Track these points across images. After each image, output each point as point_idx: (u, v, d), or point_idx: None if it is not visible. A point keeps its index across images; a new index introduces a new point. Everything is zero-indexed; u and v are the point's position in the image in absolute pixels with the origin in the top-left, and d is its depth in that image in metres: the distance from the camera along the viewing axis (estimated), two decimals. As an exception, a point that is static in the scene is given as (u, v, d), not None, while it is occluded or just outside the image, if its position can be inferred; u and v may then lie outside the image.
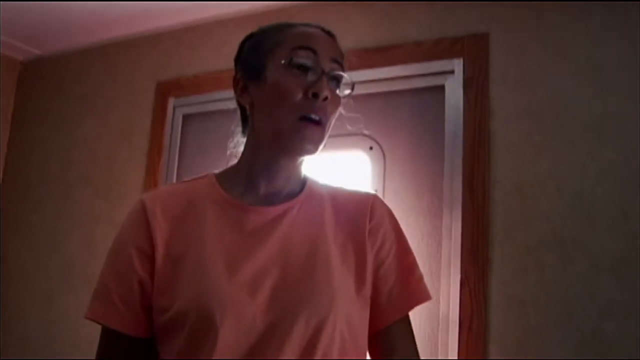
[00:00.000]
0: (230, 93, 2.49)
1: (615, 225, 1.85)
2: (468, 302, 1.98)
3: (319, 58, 1.16)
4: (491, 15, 2.17)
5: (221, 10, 2.74)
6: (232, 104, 2.51)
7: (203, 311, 1.05)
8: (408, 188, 2.22)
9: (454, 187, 2.10)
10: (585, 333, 1.82)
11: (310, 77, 1.14)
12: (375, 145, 2.32)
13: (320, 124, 1.15)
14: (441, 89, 2.22)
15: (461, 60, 2.18)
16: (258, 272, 1.10)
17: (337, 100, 1.19)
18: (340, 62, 1.20)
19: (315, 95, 1.13)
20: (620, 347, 1.77)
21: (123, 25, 2.96)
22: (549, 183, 1.96)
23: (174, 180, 2.73)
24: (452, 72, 2.19)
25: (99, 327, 1.20)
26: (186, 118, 2.83)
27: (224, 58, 2.70)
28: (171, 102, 2.84)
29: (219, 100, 2.67)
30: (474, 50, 2.16)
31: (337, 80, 1.19)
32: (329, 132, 1.18)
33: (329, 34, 1.23)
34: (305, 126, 1.13)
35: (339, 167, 2.28)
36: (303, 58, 1.15)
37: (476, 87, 2.12)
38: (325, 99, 1.14)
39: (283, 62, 1.15)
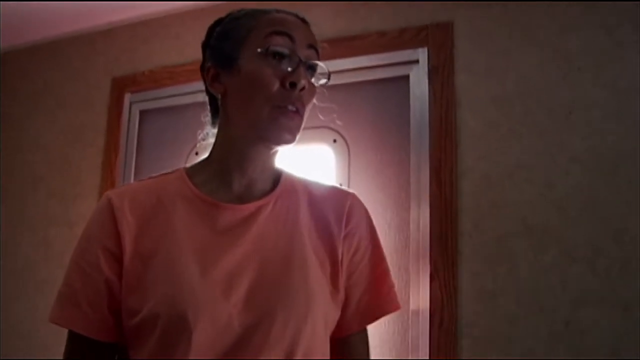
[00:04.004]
0: (187, 87, 2.53)
1: (585, 213, 1.83)
2: (438, 295, 1.95)
3: (296, 45, 1.11)
4: (455, 3, 2.13)
5: (176, 3, 2.67)
6: (189, 99, 2.49)
7: (175, 312, 0.99)
8: (374, 181, 2.18)
9: (421, 179, 2.07)
10: (558, 323, 1.80)
11: (286, 65, 1.09)
12: (339, 137, 2.27)
13: (297, 113, 1.10)
14: (406, 79, 2.18)
15: (425, 50, 2.14)
16: (232, 271, 1.05)
17: (313, 89, 1.14)
18: (316, 48, 1.15)
19: (293, 85, 1.08)
20: (594, 336, 1.75)
21: (74, 21, 2.86)
22: (518, 172, 1.93)
23: (132, 178, 2.65)
24: (416, 61, 2.16)
25: (54, 334, 1.12)
26: (143, 114, 2.75)
27: (180, 52, 2.66)
28: (127, 98, 2.76)
29: (176, 95, 2.63)
30: (438, 39, 2.12)
31: (313, 69, 1.14)
32: (304, 122, 1.13)
33: (303, 20, 1.18)
34: (283, 114, 1.08)
35: (302, 161, 2.23)
36: (279, 45, 1.10)
37: (442, 77, 2.09)
38: (303, 89, 1.09)
39: (259, 50, 1.09)
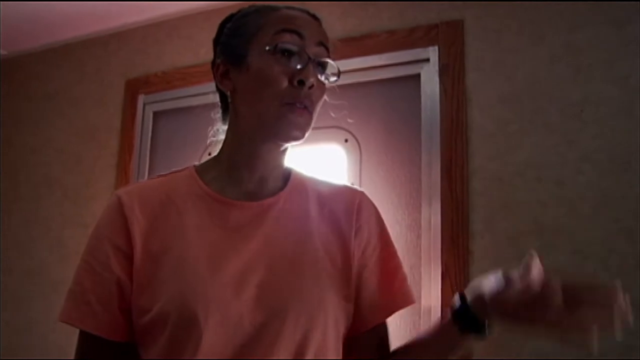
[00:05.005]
0: (200, 88, 2.54)
1: (597, 211, 1.82)
2: (450, 294, 1.94)
3: (305, 42, 1.10)
4: (465, 1, 2.13)
5: (188, 5, 2.69)
6: (202, 100, 2.49)
7: (185, 311, 0.99)
8: (385, 180, 2.18)
9: (432, 178, 2.06)
10: (570, 323, 1.78)
11: (295, 62, 1.09)
12: (350, 137, 2.27)
13: (306, 110, 1.09)
14: (417, 77, 2.18)
15: (436, 48, 2.14)
16: (243, 269, 1.05)
17: (322, 87, 1.13)
18: (326, 45, 1.14)
19: (301, 83, 1.07)
20: (607, 335, 1.73)
21: (88, 24, 2.89)
22: (529, 171, 1.92)
23: (146, 178, 2.65)
24: (427, 60, 2.15)
25: (69, 334, 1.12)
26: (156, 115, 2.77)
27: (192, 53, 2.67)
28: (141, 99, 2.78)
29: (189, 96, 2.64)
30: (449, 38, 2.12)
31: (323, 66, 1.13)
32: (314, 119, 1.12)
33: (314, 17, 1.17)
34: (291, 111, 1.07)
35: (314, 161, 2.23)
36: (288, 43, 1.09)
37: (452, 75, 2.08)
38: (311, 86, 1.08)
39: (268, 48, 1.09)
